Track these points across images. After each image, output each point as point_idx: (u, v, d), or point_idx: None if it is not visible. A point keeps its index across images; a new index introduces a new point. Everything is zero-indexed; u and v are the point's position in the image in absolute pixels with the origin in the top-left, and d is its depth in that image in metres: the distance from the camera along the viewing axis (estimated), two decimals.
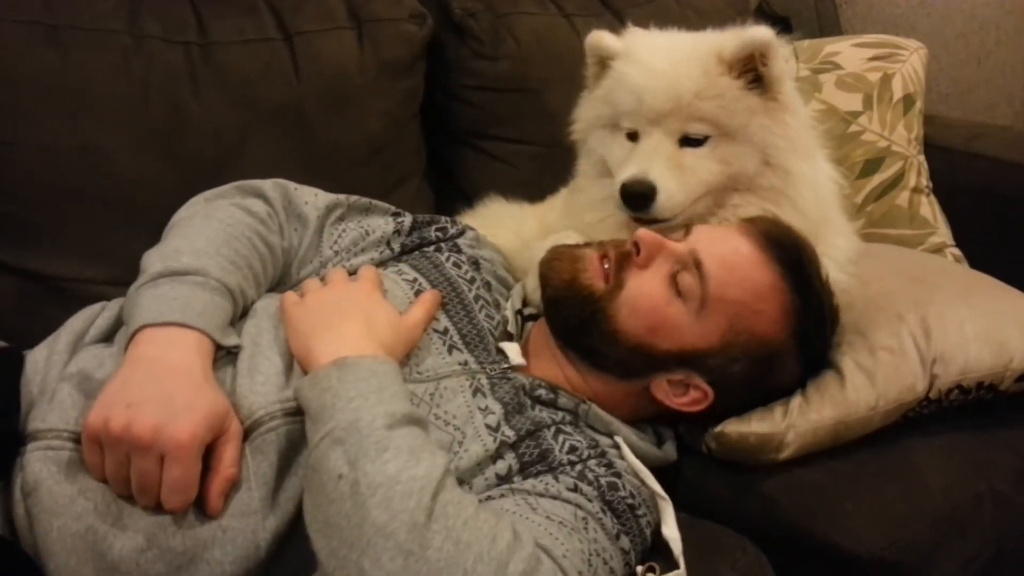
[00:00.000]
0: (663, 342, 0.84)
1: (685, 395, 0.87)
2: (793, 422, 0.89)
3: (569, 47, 1.38)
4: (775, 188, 0.96)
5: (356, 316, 0.79)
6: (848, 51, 1.44)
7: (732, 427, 0.89)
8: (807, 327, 0.87)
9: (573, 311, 0.86)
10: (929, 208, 1.38)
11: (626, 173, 0.93)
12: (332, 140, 1.20)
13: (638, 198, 0.92)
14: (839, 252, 1.02)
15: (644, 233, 0.86)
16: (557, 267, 0.88)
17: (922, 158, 1.41)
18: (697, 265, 0.83)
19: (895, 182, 1.37)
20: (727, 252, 0.85)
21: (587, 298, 0.85)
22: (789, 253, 0.86)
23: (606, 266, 0.87)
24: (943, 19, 1.85)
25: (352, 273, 0.89)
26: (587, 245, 0.91)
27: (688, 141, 0.94)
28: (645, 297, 0.84)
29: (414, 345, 0.83)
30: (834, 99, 1.39)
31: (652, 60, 0.96)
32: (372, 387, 0.70)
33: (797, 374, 0.91)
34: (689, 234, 0.88)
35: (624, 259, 0.86)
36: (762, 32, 0.93)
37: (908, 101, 1.41)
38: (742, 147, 0.94)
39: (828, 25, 1.76)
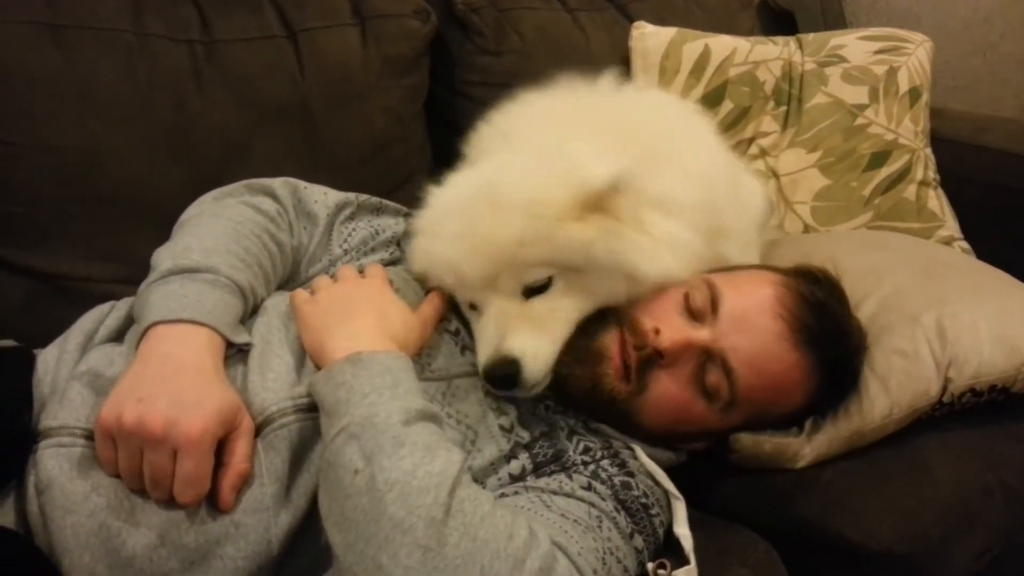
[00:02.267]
0: (687, 428, 0.86)
1: (701, 443, 0.90)
2: (808, 434, 0.90)
3: (573, 42, 1.38)
4: (635, 290, 0.84)
5: (369, 312, 0.79)
6: (853, 44, 1.44)
7: (747, 436, 0.89)
8: (832, 396, 0.90)
9: (595, 411, 0.84)
10: (937, 201, 1.38)
11: (483, 354, 0.81)
12: (337, 137, 1.20)
13: (505, 379, 0.80)
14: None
15: (669, 339, 0.80)
16: (577, 373, 0.82)
17: (929, 151, 1.41)
18: (723, 364, 0.81)
19: (902, 175, 1.36)
20: (756, 347, 0.81)
21: (610, 402, 0.82)
22: (824, 328, 0.83)
23: (627, 361, 0.81)
24: (948, 12, 1.84)
25: (360, 272, 0.89)
26: (604, 324, 0.83)
27: (532, 290, 0.81)
28: (669, 400, 0.82)
29: (425, 342, 0.83)
30: (840, 92, 1.39)
31: (453, 225, 0.82)
32: (387, 382, 0.70)
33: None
34: (716, 309, 0.82)
35: (647, 362, 0.81)
36: (593, 175, 0.78)
37: (914, 94, 1.41)
38: (594, 275, 0.81)
39: (833, 18, 1.75)
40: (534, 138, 0.90)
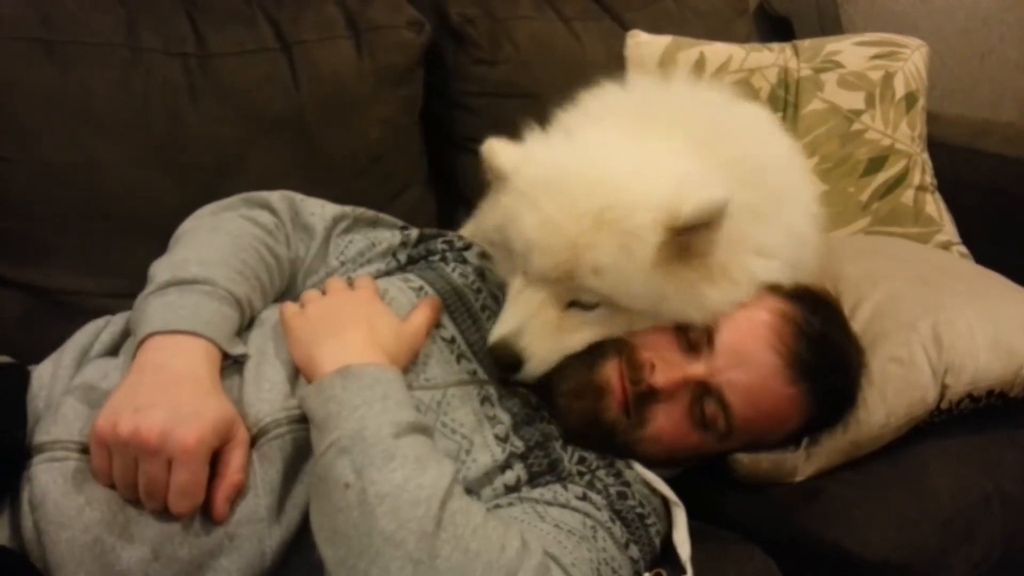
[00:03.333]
0: (684, 454, 0.87)
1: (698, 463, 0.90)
2: (806, 448, 0.90)
3: (568, 51, 1.38)
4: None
5: (358, 324, 0.79)
6: (850, 50, 1.43)
7: (745, 457, 0.89)
8: (829, 420, 0.90)
9: (595, 441, 0.84)
10: (934, 206, 1.37)
11: (499, 329, 0.83)
12: (332, 149, 1.20)
13: (504, 367, 0.83)
14: None
15: (664, 377, 0.81)
16: (578, 407, 0.83)
17: (926, 156, 1.41)
18: (719, 398, 0.81)
19: (899, 180, 1.36)
20: (753, 382, 0.81)
21: (611, 433, 0.83)
22: (822, 362, 0.83)
23: (626, 390, 0.82)
24: (945, 16, 1.84)
25: (350, 284, 0.89)
26: (603, 355, 0.83)
27: (577, 303, 0.82)
28: (668, 434, 0.83)
29: (417, 351, 0.83)
30: (836, 98, 1.39)
31: (551, 207, 0.80)
32: (377, 395, 0.70)
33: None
34: (712, 341, 0.82)
35: (643, 397, 0.82)
36: (706, 198, 0.75)
37: (910, 99, 1.40)
38: (639, 317, 0.81)
39: (829, 24, 1.75)
40: (633, 132, 0.87)
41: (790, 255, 0.86)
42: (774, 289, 0.87)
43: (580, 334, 0.83)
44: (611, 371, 0.82)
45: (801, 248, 0.88)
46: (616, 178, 0.80)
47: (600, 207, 0.78)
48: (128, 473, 0.69)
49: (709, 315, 0.82)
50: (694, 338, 0.82)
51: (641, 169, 0.81)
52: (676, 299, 0.80)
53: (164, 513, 0.69)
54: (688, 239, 0.78)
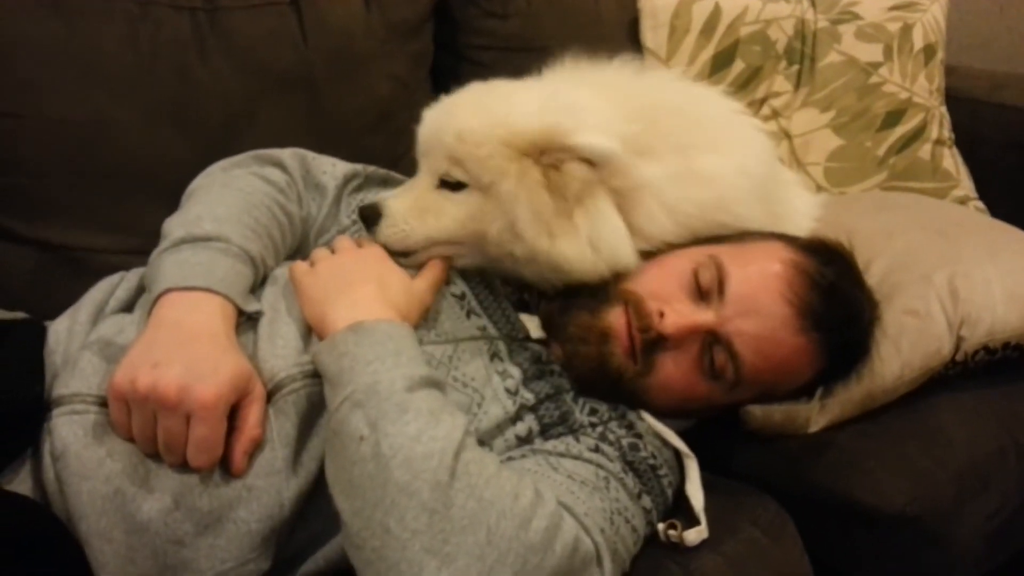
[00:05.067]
0: (695, 405, 0.86)
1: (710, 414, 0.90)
2: (820, 399, 0.89)
3: (581, 3, 1.35)
4: (530, 261, 0.84)
5: (369, 281, 0.79)
6: (867, 1, 1.40)
7: (758, 408, 0.89)
8: (842, 372, 0.89)
9: (603, 388, 0.84)
10: (952, 160, 1.36)
11: (379, 196, 0.89)
12: (341, 105, 1.19)
13: (366, 219, 0.87)
14: None
15: (673, 324, 0.80)
16: (583, 352, 0.83)
17: (944, 109, 1.39)
18: (729, 347, 0.80)
19: (917, 134, 1.34)
20: (762, 332, 0.80)
21: (617, 379, 0.83)
22: (833, 313, 0.82)
23: (632, 341, 0.81)
24: None
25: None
26: (605, 301, 0.83)
27: (448, 184, 0.84)
28: (676, 382, 0.83)
29: (427, 307, 0.83)
30: (854, 50, 1.36)
31: (450, 98, 0.88)
32: (389, 350, 0.70)
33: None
34: (723, 289, 0.81)
35: (652, 344, 0.81)
36: (591, 139, 0.78)
37: (929, 51, 1.38)
38: (492, 207, 0.82)
39: None
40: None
41: (674, 197, 0.86)
42: (788, 240, 0.87)
43: (440, 218, 0.84)
44: (615, 317, 0.82)
45: (701, 190, 0.87)
46: (515, 92, 0.86)
47: (485, 93, 0.86)
48: (147, 427, 0.69)
49: (556, 255, 0.81)
50: (704, 286, 0.82)
51: (538, 93, 0.85)
52: (514, 184, 0.80)
53: (184, 466, 0.70)
54: (558, 162, 0.80)
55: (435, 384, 0.71)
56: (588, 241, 0.82)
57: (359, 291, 0.77)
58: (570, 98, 0.83)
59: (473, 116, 0.82)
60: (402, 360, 0.70)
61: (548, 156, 0.80)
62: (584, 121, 0.80)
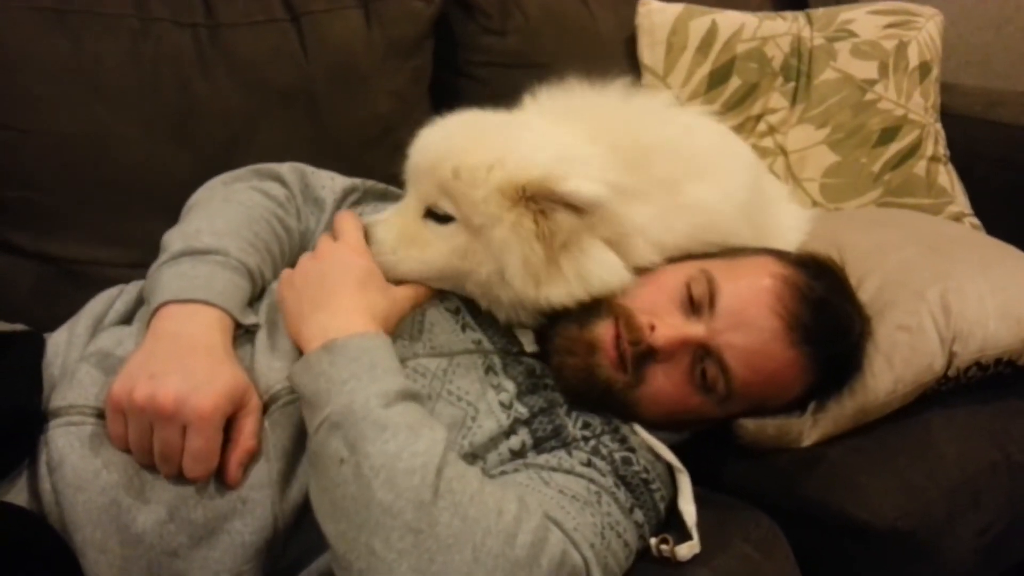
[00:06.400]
0: (686, 417, 0.86)
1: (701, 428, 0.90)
2: (813, 414, 0.89)
3: (579, 21, 1.36)
4: (514, 304, 0.83)
5: (344, 288, 0.78)
6: (863, 19, 1.42)
7: (750, 422, 0.89)
8: (832, 386, 0.89)
9: (593, 399, 0.84)
10: (947, 177, 1.36)
11: (371, 219, 0.88)
12: (341, 121, 1.20)
13: None
14: None
15: (664, 337, 0.81)
16: (571, 363, 0.83)
17: (939, 126, 1.40)
18: (719, 360, 0.81)
19: (912, 151, 1.35)
20: (753, 345, 0.81)
21: (606, 391, 0.83)
22: (823, 326, 0.82)
23: (622, 353, 0.81)
24: None
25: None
26: (596, 314, 0.83)
27: (435, 215, 0.83)
28: (667, 395, 0.83)
29: (418, 300, 0.84)
30: (849, 67, 1.38)
31: (444, 124, 0.86)
32: (364, 366, 0.70)
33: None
34: (714, 303, 0.81)
35: (642, 356, 0.81)
36: (584, 186, 0.77)
37: (924, 69, 1.39)
38: (479, 248, 0.81)
39: None
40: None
41: (662, 233, 0.86)
42: (778, 255, 0.88)
43: (425, 250, 0.83)
44: (603, 329, 0.82)
45: (689, 219, 0.88)
46: (512, 131, 0.85)
47: (488, 139, 0.82)
48: (143, 438, 0.70)
49: (542, 301, 0.81)
50: (696, 299, 0.82)
51: (537, 135, 0.84)
52: (519, 261, 0.79)
53: (179, 477, 0.71)
54: (548, 209, 0.78)
55: (412, 396, 0.70)
56: (577, 278, 0.81)
57: (334, 303, 0.76)
58: (564, 144, 0.82)
59: (471, 154, 0.80)
60: (377, 374, 0.70)
61: (537, 203, 0.79)
62: (575, 170, 0.79)
